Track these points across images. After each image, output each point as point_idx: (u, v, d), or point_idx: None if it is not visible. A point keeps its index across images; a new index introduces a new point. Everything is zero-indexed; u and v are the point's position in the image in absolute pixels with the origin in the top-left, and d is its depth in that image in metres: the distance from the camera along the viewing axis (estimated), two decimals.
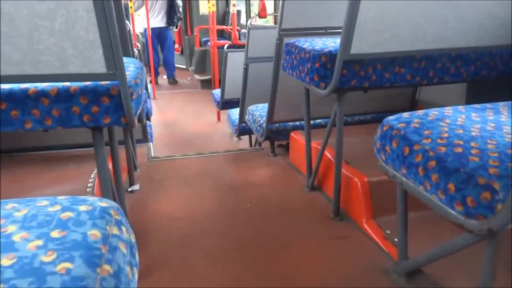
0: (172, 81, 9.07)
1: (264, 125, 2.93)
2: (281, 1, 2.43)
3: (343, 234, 1.86)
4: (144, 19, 7.94)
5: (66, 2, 1.15)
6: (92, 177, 2.15)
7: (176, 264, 1.68)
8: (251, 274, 1.61)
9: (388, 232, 1.79)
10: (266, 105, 2.89)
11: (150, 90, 5.38)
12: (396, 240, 1.51)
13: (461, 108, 1.38)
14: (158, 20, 8.36)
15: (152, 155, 3.05)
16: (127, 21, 2.41)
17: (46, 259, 0.65)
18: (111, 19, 1.16)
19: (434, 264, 1.36)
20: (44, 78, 1.24)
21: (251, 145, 4.57)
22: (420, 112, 1.34)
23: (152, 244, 1.82)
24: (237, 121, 4.04)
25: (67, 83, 1.30)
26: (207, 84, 8.21)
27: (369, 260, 1.67)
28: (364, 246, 1.77)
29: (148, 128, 3.26)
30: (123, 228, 0.80)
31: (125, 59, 1.44)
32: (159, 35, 8.48)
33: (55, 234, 0.71)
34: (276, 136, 2.95)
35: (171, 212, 2.12)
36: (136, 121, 1.39)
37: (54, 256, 0.66)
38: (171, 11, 8.48)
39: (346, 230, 1.90)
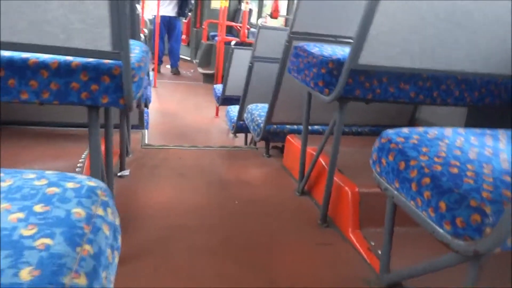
0: (175, 71, 9.03)
1: (262, 125, 2.92)
2: (295, 3, 2.43)
3: (328, 241, 1.86)
4: (155, 6, 7.90)
5: None
6: (83, 157, 2.13)
7: (158, 254, 1.67)
8: (233, 272, 1.60)
9: (373, 244, 1.79)
10: (266, 105, 2.88)
11: (151, 77, 5.36)
12: (380, 252, 1.51)
13: (461, 130, 1.37)
14: (170, 9, 8.32)
15: (146, 142, 3.03)
16: (137, 5, 2.39)
17: (26, 232, 0.63)
18: None
19: (415, 279, 1.36)
20: (47, 50, 1.22)
21: (246, 144, 4.55)
22: (420, 129, 1.33)
23: (135, 231, 1.80)
24: (235, 118, 4.02)
25: (69, 58, 1.28)
26: (209, 79, 8.20)
27: (351, 270, 1.67)
28: (347, 255, 1.77)
29: (145, 115, 3.24)
30: (109, 210, 0.78)
31: (131, 42, 1.42)
32: (168, 23, 8.44)
33: (38, 208, 0.70)
34: (272, 137, 2.95)
35: (159, 202, 2.11)
36: (134, 104, 1.37)
37: (34, 230, 0.64)
38: (183, 2, 8.45)
39: (332, 237, 1.90)
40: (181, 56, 10.05)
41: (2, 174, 0.80)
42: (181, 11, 8.55)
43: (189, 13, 9.33)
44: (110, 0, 1.14)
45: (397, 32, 1.56)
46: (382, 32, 1.55)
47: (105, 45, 1.21)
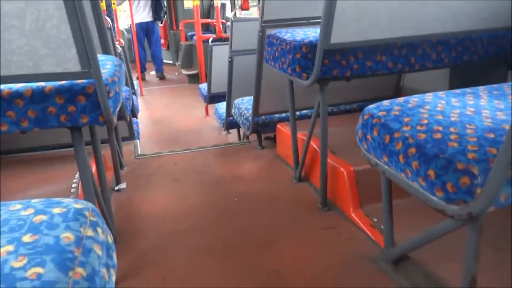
0: (161, 75, 9.04)
1: (250, 118, 2.91)
2: None
3: (331, 224, 1.86)
4: (129, 15, 7.87)
5: (35, 1, 1.12)
6: (76, 177, 2.13)
7: (163, 262, 1.67)
8: (239, 269, 1.61)
9: (376, 220, 1.79)
10: (252, 98, 2.88)
11: (136, 86, 5.34)
12: (383, 227, 1.51)
13: (441, 93, 1.37)
14: (145, 15, 8.31)
15: (139, 152, 3.03)
16: (107, 18, 2.38)
17: (16, 264, 0.64)
18: (82, 16, 1.14)
19: (421, 249, 1.37)
20: (18, 79, 1.22)
21: (239, 139, 4.55)
22: (401, 99, 1.33)
23: (139, 242, 1.81)
24: (224, 115, 4.02)
25: (42, 83, 1.28)
26: (194, 79, 8.18)
27: (357, 249, 1.67)
28: (352, 235, 1.77)
29: (135, 125, 3.24)
30: (99, 229, 0.78)
31: (102, 57, 1.42)
32: (146, 29, 8.43)
33: (27, 238, 0.70)
34: (263, 128, 2.94)
35: (158, 210, 2.11)
36: (115, 119, 1.37)
37: (25, 261, 0.64)
38: (157, 6, 8.43)
39: (334, 220, 1.90)
40: (163, 61, 10.03)
41: None
42: (157, 15, 8.53)
43: (165, 16, 9.30)
44: (70, 21, 1.14)
45: (363, 5, 1.56)
46: (348, 8, 1.55)
47: (74, 65, 1.20)
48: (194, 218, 2.01)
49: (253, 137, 3.16)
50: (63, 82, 1.28)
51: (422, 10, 1.63)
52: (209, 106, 5.81)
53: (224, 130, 4.64)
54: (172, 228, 1.91)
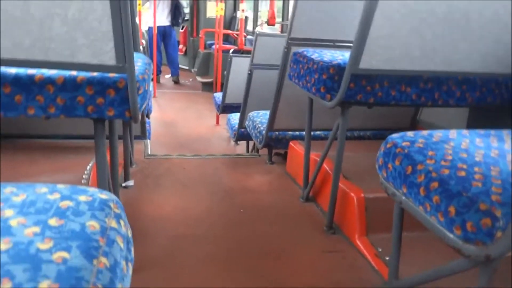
0: (176, 79, 9.12)
1: (264, 132, 2.92)
2: (292, 9, 2.44)
3: (335, 248, 1.85)
4: (149, 18, 7.97)
5: None
6: (88, 169, 2.13)
7: (167, 265, 1.66)
8: (242, 279, 1.60)
9: (380, 250, 1.78)
10: (267, 112, 2.89)
11: (151, 87, 5.37)
12: (387, 258, 1.50)
13: (465, 132, 1.37)
14: (164, 19, 8.40)
15: (149, 152, 3.04)
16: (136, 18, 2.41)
17: (42, 246, 0.64)
18: (125, 12, 1.16)
19: (424, 285, 1.36)
20: (52, 65, 1.23)
21: (248, 151, 4.56)
22: (425, 132, 1.34)
23: (142, 242, 1.80)
24: (236, 125, 4.03)
25: (74, 72, 1.29)
26: (208, 87, 8.23)
27: (359, 276, 1.66)
28: (355, 262, 1.76)
29: (147, 125, 3.25)
30: (122, 222, 0.79)
31: (134, 54, 1.43)
32: (163, 33, 8.51)
33: (53, 222, 0.70)
34: (275, 144, 2.95)
35: (164, 212, 2.11)
36: (140, 116, 1.38)
37: (51, 244, 0.65)
38: (175, 11, 8.53)
39: (338, 244, 1.89)
40: (179, 66, 10.11)
41: (14, 189, 0.80)
42: (174, 21, 8.63)
43: (182, 23, 9.40)
44: (112, 15, 1.16)
45: (396, 35, 1.57)
46: (382, 36, 1.56)
47: (109, 59, 1.22)
48: (201, 225, 2.01)
49: (263, 151, 3.16)
50: (95, 74, 1.29)
51: (454, 47, 1.64)
52: (220, 116, 5.83)
53: (234, 141, 4.64)
54: (178, 233, 1.91)
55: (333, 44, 2.49)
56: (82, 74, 1.29)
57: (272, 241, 1.89)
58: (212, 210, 2.18)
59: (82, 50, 1.20)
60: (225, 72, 4.70)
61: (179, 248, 1.79)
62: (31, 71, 1.28)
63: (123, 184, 2.34)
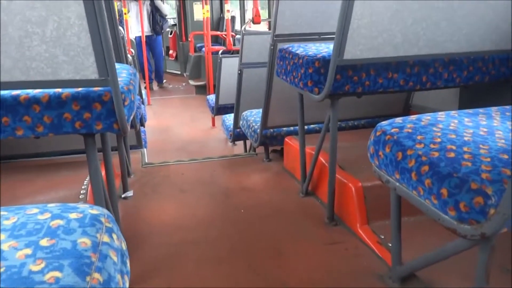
0: (161, 85, 9.34)
1: (258, 130, 2.93)
2: (274, 7, 2.44)
3: (338, 240, 1.86)
4: (134, 27, 8.01)
5: (58, 9, 1.14)
6: (85, 183, 2.14)
7: (168, 271, 1.67)
8: (245, 281, 1.60)
9: (382, 237, 1.79)
10: (260, 110, 2.89)
11: (144, 95, 5.38)
12: (390, 245, 1.51)
13: (453, 113, 1.38)
14: (146, 28, 8.43)
15: (146, 161, 3.04)
16: (120, 27, 2.41)
17: (35, 268, 0.64)
18: (103, 25, 1.16)
19: (428, 268, 1.36)
20: (36, 85, 1.23)
21: (245, 151, 4.56)
22: (413, 117, 1.34)
23: (145, 251, 1.81)
24: (231, 126, 4.03)
25: (59, 90, 1.29)
26: (201, 90, 8.23)
27: (363, 266, 1.67)
28: (358, 251, 1.77)
29: (142, 134, 3.26)
30: (114, 236, 0.79)
31: (117, 65, 1.44)
32: (149, 42, 8.55)
33: (44, 242, 0.71)
34: (271, 141, 2.95)
35: (165, 219, 2.11)
36: (128, 127, 1.38)
37: (43, 265, 0.65)
38: (152, 19, 8.56)
39: (341, 235, 1.90)
40: (171, 71, 10.14)
41: (5, 213, 0.80)
42: (154, 29, 8.66)
43: (166, 29, 9.42)
44: (90, 30, 1.16)
45: (377, 22, 1.57)
46: (363, 25, 1.56)
47: (92, 73, 1.22)
48: (201, 228, 2.01)
49: (260, 149, 3.16)
50: (80, 89, 1.30)
51: (436, 29, 1.64)
52: (216, 117, 5.84)
53: (231, 142, 4.65)
54: (179, 238, 1.91)
55: (319, 37, 2.49)
56: (66, 91, 1.29)
57: (274, 239, 1.90)
58: (211, 213, 2.18)
59: (63, 67, 1.20)
60: (216, 73, 4.70)
61: (180, 253, 1.79)
62: (15, 92, 1.28)
63: (122, 195, 2.34)
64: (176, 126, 6.38)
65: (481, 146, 1.10)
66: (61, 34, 1.16)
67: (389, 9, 1.56)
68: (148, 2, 8.38)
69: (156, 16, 8.58)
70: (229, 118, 4.27)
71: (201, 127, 6.25)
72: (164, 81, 9.58)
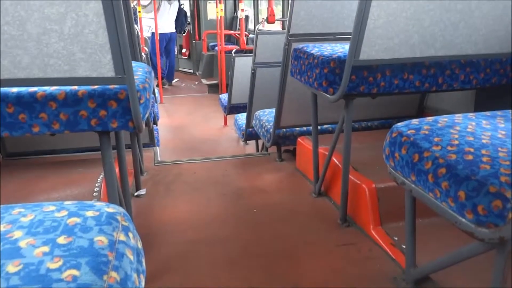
0: (170, 83, 9.37)
1: (271, 130, 2.92)
2: (289, 7, 2.43)
3: (350, 241, 1.85)
4: (151, 23, 8.03)
5: (76, 6, 1.15)
6: (98, 181, 2.15)
7: (182, 270, 1.67)
8: (258, 281, 1.60)
9: (396, 239, 1.77)
10: (273, 110, 2.89)
11: (157, 94, 5.41)
12: (404, 247, 1.50)
13: (471, 115, 1.36)
14: (170, 25, 8.52)
15: (159, 159, 3.05)
16: (135, 26, 2.42)
17: (52, 265, 0.65)
18: (120, 23, 1.16)
19: (443, 271, 1.35)
20: (53, 82, 1.24)
21: (257, 150, 4.56)
22: (430, 118, 1.32)
23: (158, 249, 1.81)
24: (243, 126, 4.03)
25: (75, 87, 1.30)
26: (214, 89, 8.25)
27: (376, 268, 1.65)
28: (371, 253, 1.75)
29: (155, 132, 3.27)
30: (130, 234, 0.79)
31: (133, 63, 1.44)
32: (169, 39, 8.61)
33: (61, 240, 0.71)
34: (283, 141, 2.94)
35: (178, 217, 2.12)
36: (143, 125, 1.39)
37: (60, 263, 0.65)
38: (183, 18, 8.67)
39: (353, 236, 1.88)
40: (183, 70, 10.17)
41: (22, 210, 0.81)
42: (180, 28, 8.76)
43: (187, 29, 9.54)
44: (108, 27, 1.16)
45: (394, 23, 1.56)
46: (379, 25, 1.55)
47: (108, 71, 1.22)
48: (214, 228, 2.01)
49: (272, 149, 3.16)
50: (96, 86, 1.30)
51: (454, 30, 1.62)
52: (228, 116, 5.84)
53: (243, 141, 4.64)
54: (192, 237, 1.92)
55: (333, 37, 2.48)
56: (83, 88, 1.30)
57: (286, 239, 1.89)
58: (224, 212, 2.18)
59: (80, 64, 1.21)
60: (229, 72, 4.70)
61: (193, 252, 1.79)
62: (32, 88, 1.29)
63: (135, 194, 2.35)
64: (188, 124, 6.39)
65: (499, 149, 1.09)
66: (79, 32, 1.17)
67: (406, 10, 1.55)
68: (176, 2, 8.53)
69: (186, 14, 8.74)
70: (242, 117, 4.27)
71: (213, 126, 6.26)
72: (177, 79, 9.62)
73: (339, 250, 1.79)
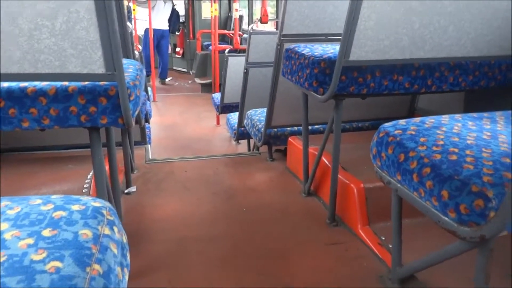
0: (163, 82, 9.39)
1: (262, 129, 2.93)
2: (282, 7, 2.44)
3: (338, 240, 1.86)
4: (145, 21, 8.04)
5: (67, 2, 1.15)
6: (88, 177, 2.15)
7: (170, 267, 1.68)
8: (247, 280, 1.61)
9: (383, 238, 1.79)
10: (265, 109, 2.90)
11: (150, 92, 5.40)
12: (391, 246, 1.51)
13: (458, 116, 1.38)
14: (164, 22, 8.52)
15: (150, 157, 3.05)
16: (128, 23, 2.42)
17: (36, 257, 0.65)
18: (112, 20, 1.17)
19: (428, 270, 1.37)
20: (43, 77, 1.25)
21: (249, 150, 4.57)
22: (417, 119, 1.34)
23: (146, 246, 1.82)
24: (236, 125, 4.04)
25: (66, 83, 1.31)
26: (207, 88, 8.25)
27: (363, 266, 1.67)
28: (359, 252, 1.77)
29: (147, 130, 3.27)
30: (115, 229, 0.80)
31: (124, 61, 1.45)
32: (161, 36, 8.61)
33: (46, 232, 0.72)
34: (274, 141, 2.96)
35: (167, 215, 2.12)
36: (133, 122, 1.39)
37: (44, 254, 0.66)
38: (175, 18, 8.67)
39: (341, 236, 1.90)
40: (177, 69, 10.16)
41: (9, 202, 0.81)
42: (173, 27, 8.77)
43: (179, 28, 9.54)
44: (99, 24, 1.17)
45: (384, 25, 1.58)
46: (369, 27, 1.56)
47: (99, 67, 1.23)
48: (205, 226, 2.02)
49: (263, 148, 3.17)
50: (86, 82, 1.31)
51: (443, 33, 1.64)
52: (220, 116, 5.85)
53: (235, 140, 4.65)
54: (181, 235, 1.92)
55: (325, 38, 2.50)
56: (73, 84, 1.30)
57: (275, 238, 1.90)
58: (214, 211, 2.19)
59: (71, 60, 1.21)
60: (222, 72, 4.71)
61: (183, 250, 1.80)
62: (23, 83, 1.29)
63: (125, 191, 2.35)
64: (181, 123, 6.40)
65: (483, 149, 1.11)
66: (70, 28, 1.17)
67: (396, 11, 1.56)
68: (170, 2, 8.60)
69: (178, 14, 8.76)
70: (234, 116, 4.28)
71: (206, 125, 6.26)
72: (170, 78, 9.62)
73: (327, 250, 1.80)
